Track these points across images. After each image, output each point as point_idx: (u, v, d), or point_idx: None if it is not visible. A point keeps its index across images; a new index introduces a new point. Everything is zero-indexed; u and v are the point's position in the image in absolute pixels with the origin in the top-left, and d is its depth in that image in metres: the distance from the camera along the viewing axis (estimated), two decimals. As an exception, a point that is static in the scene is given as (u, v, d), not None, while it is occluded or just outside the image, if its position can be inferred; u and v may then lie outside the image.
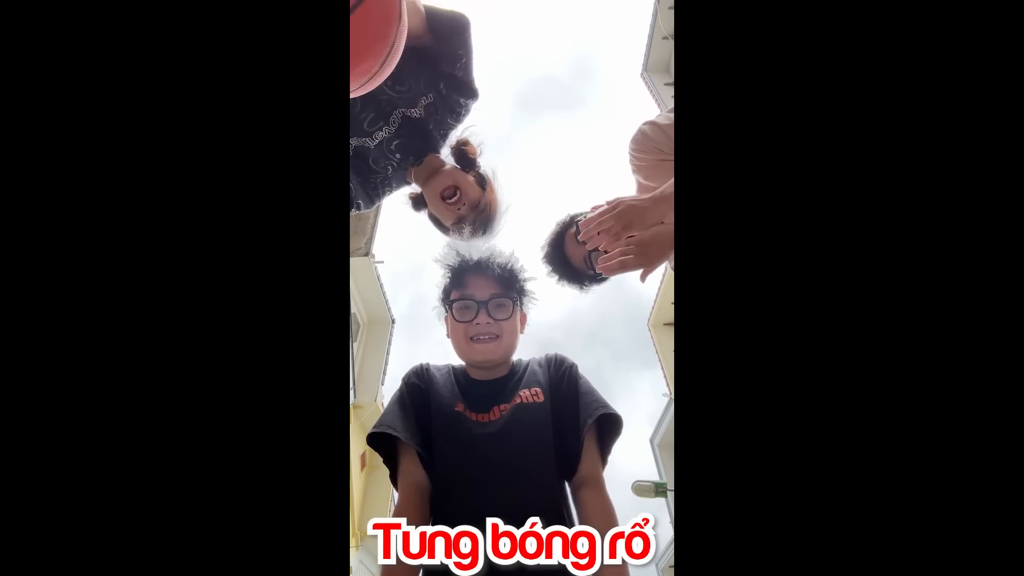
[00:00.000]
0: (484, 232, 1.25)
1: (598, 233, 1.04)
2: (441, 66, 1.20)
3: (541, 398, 0.99)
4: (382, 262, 7.64)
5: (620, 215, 1.00)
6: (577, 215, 1.23)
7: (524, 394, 0.99)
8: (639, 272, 1.07)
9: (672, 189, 1.01)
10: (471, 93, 1.26)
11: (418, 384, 1.04)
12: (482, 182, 1.27)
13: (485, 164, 1.31)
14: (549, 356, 1.09)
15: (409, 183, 1.33)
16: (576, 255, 1.19)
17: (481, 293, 1.02)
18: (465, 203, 1.22)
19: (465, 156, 1.29)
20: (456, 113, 1.27)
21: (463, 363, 1.07)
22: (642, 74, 8.91)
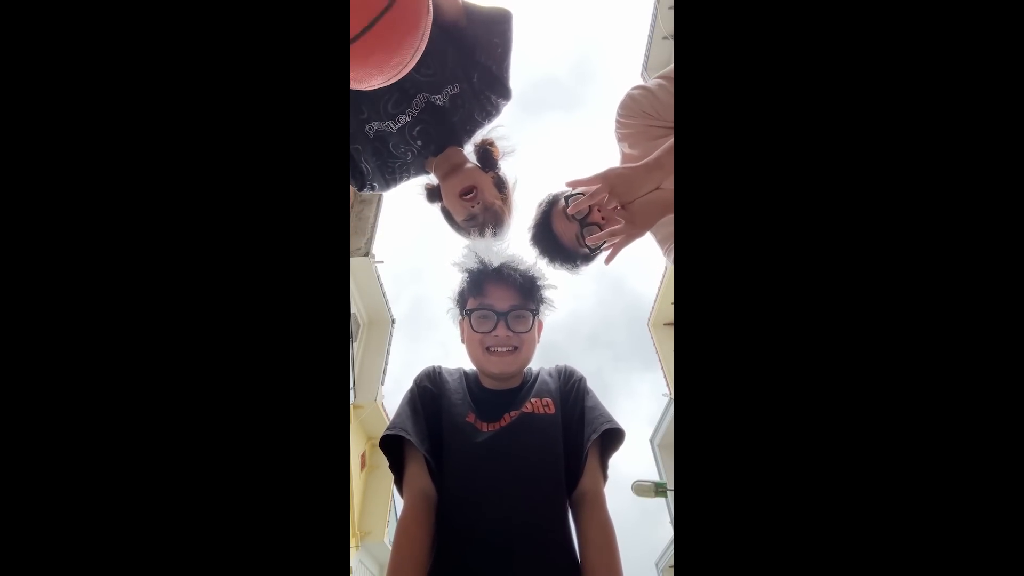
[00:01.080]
0: (492, 234, 1.22)
1: (589, 207, 1.04)
2: (476, 55, 1.18)
3: (552, 410, 0.97)
4: (382, 262, 7.65)
5: (611, 187, 0.99)
6: (558, 194, 1.19)
7: (535, 403, 0.98)
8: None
9: (661, 157, 1.00)
10: (504, 92, 1.23)
11: (430, 388, 1.03)
12: (500, 185, 1.26)
13: (506, 169, 1.29)
14: (559, 367, 1.08)
15: (427, 172, 1.32)
16: (566, 233, 1.14)
17: (501, 303, 0.99)
18: (480, 202, 1.21)
19: (489, 156, 1.27)
20: (486, 111, 1.25)
21: (474, 368, 1.06)
22: (642, 74, 8.92)
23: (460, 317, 1.05)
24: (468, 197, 1.21)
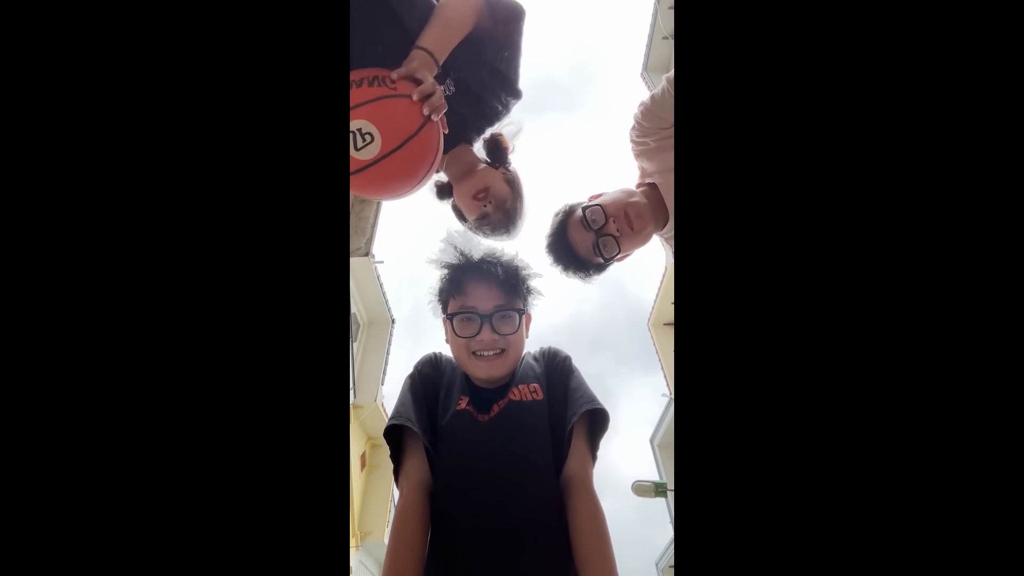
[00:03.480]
0: (505, 232, 1.22)
1: (606, 218, 1.11)
2: (484, 53, 1.15)
3: (540, 395, 0.95)
4: (382, 262, 7.65)
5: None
6: (575, 205, 1.22)
7: (522, 389, 0.96)
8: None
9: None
10: (513, 92, 1.22)
11: (430, 374, 1.01)
12: (511, 181, 1.24)
13: (515, 164, 1.28)
14: (543, 349, 1.05)
15: (438, 171, 1.29)
16: (582, 243, 1.18)
17: (484, 304, 0.94)
18: (492, 201, 1.19)
19: (498, 150, 1.26)
20: (495, 110, 1.23)
21: None
22: (642, 74, 8.92)
23: (443, 316, 1.00)
24: (480, 197, 1.19)
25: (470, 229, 1.25)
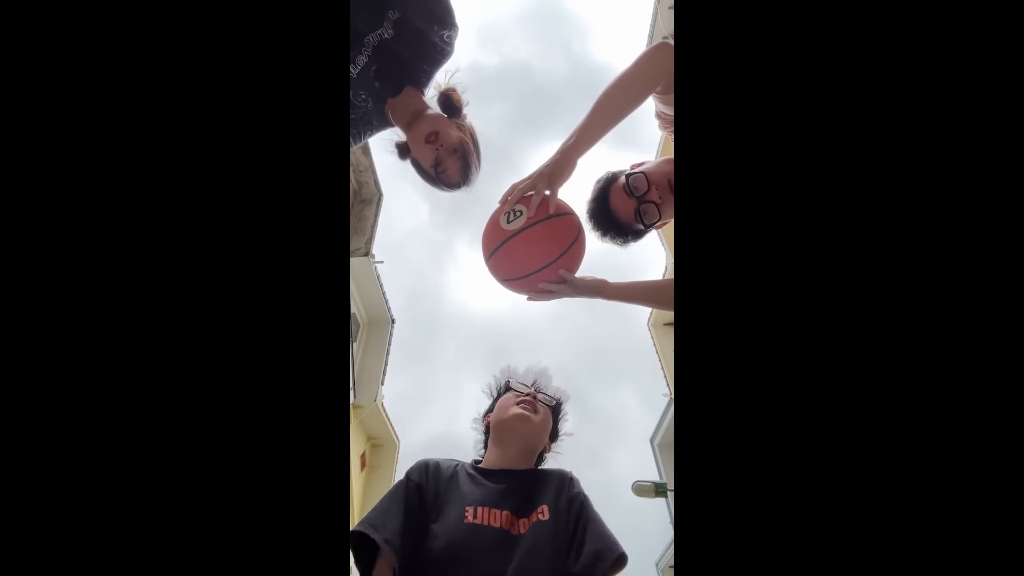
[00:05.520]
0: (462, 182, 1.27)
1: (648, 185, 1.15)
2: None
3: (547, 516, 0.97)
4: (382, 262, 7.63)
5: (549, 180, 1.06)
6: (618, 172, 1.25)
7: (541, 510, 0.98)
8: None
9: (577, 136, 1.06)
10: (448, 22, 1.23)
11: (420, 484, 1.02)
12: (462, 128, 1.27)
13: (468, 115, 1.31)
14: (560, 473, 1.09)
15: (390, 124, 1.33)
16: (624, 208, 1.21)
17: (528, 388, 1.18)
18: (443, 144, 1.22)
19: (451, 103, 1.28)
20: (437, 48, 1.25)
21: (470, 461, 1.12)
22: (642, 74, 8.89)
23: (493, 401, 1.21)
24: (432, 141, 1.22)
25: (430, 183, 1.29)
